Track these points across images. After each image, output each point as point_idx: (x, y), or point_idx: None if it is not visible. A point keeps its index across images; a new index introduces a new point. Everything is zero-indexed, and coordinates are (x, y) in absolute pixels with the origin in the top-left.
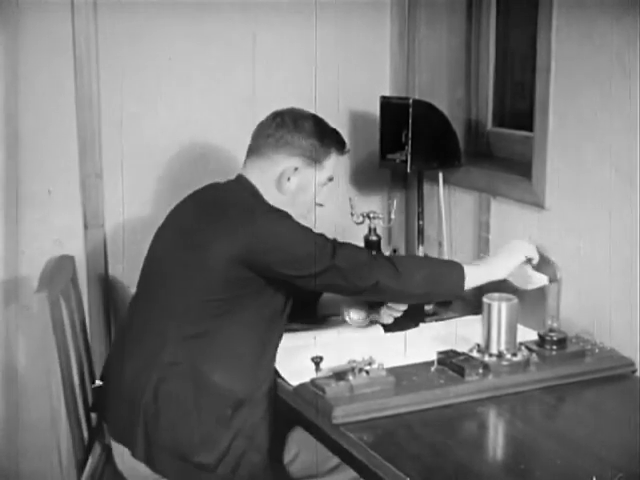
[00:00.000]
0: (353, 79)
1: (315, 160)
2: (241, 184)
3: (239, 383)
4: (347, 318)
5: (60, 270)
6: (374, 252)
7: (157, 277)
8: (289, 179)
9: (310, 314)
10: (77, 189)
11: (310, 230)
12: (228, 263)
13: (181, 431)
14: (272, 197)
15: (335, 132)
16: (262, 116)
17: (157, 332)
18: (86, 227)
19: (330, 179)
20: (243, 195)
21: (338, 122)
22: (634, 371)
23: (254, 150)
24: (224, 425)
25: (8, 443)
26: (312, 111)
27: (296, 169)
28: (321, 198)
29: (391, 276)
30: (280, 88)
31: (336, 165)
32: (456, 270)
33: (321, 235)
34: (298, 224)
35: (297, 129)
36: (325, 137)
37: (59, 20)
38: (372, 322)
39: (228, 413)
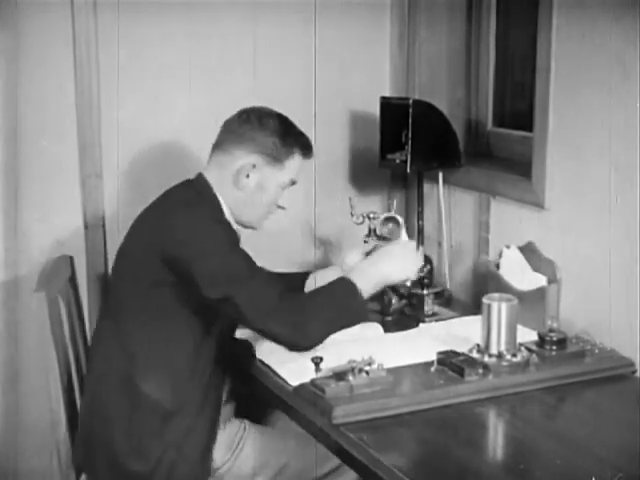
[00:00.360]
0: (353, 79)
1: (275, 159)
2: (199, 183)
3: (168, 395)
4: None
5: (58, 270)
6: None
7: (111, 280)
8: (248, 176)
9: None
10: (77, 189)
11: (234, 251)
12: (153, 263)
13: (114, 440)
14: (229, 193)
15: (301, 134)
16: None
17: (100, 337)
18: (86, 227)
19: (293, 182)
20: (187, 196)
21: (338, 122)
22: (634, 371)
23: (217, 145)
24: (155, 436)
25: (7, 443)
26: (312, 111)
27: (254, 166)
28: (283, 201)
29: (289, 328)
30: (280, 88)
31: (300, 168)
32: (357, 301)
33: (247, 261)
34: (225, 237)
35: (261, 126)
36: (288, 137)
37: (59, 20)
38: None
39: (158, 424)
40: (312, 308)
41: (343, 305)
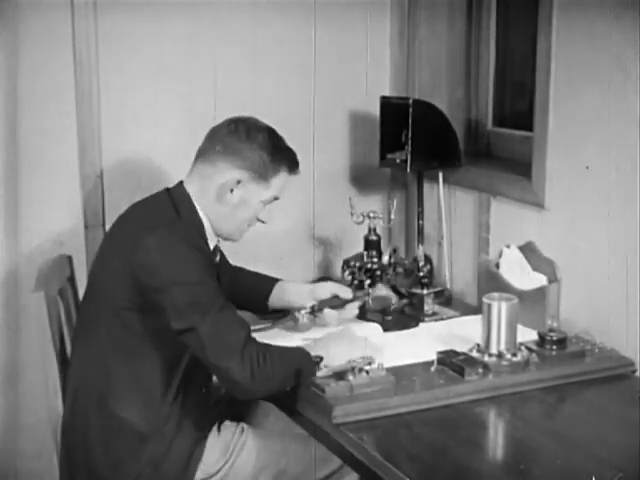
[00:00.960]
0: (353, 79)
1: (261, 176)
2: (178, 195)
3: (142, 418)
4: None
5: (57, 270)
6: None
7: (87, 288)
8: (232, 191)
9: (260, 308)
10: (77, 189)
11: (206, 282)
12: (124, 284)
13: (93, 456)
14: (210, 206)
15: (289, 150)
16: (262, 116)
17: (76, 347)
18: (86, 227)
19: (276, 198)
20: (164, 212)
21: (338, 122)
22: (634, 371)
23: (201, 154)
24: (132, 456)
25: (7, 443)
26: (312, 111)
27: (239, 182)
28: (264, 216)
29: (249, 373)
30: (280, 88)
31: (285, 185)
32: (309, 368)
33: (217, 294)
34: (198, 266)
35: (249, 139)
36: (277, 153)
37: (59, 20)
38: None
39: (134, 445)
40: (276, 361)
41: (298, 368)
